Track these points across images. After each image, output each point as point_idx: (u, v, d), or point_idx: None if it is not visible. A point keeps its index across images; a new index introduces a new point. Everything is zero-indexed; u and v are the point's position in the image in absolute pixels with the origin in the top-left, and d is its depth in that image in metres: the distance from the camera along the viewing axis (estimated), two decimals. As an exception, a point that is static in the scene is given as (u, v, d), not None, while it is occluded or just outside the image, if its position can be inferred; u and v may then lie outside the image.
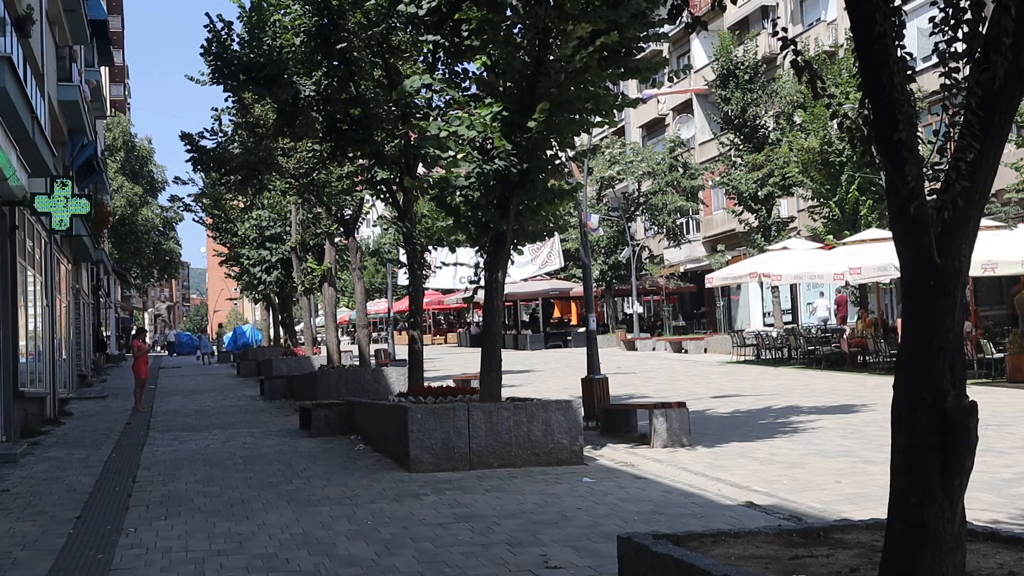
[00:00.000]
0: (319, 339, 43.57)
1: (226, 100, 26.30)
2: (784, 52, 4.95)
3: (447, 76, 13.36)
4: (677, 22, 11.59)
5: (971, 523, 5.12)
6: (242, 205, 35.70)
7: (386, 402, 14.29)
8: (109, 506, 9.85)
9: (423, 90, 13.43)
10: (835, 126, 23.35)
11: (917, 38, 23.45)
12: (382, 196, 17.64)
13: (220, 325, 72.25)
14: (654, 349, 38.00)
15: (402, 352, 29.29)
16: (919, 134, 4.62)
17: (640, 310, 45.91)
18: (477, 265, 12.69)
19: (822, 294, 35.03)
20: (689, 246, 47.61)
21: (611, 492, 9.59)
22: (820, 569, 5.09)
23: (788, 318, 38.98)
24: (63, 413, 20.03)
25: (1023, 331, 19.04)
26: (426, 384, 15.76)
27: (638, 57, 12.31)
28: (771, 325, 36.55)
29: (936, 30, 4.55)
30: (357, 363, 25.34)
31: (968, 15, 4.44)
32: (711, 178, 40.89)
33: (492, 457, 11.30)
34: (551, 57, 11.49)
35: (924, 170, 4.51)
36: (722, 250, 43.92)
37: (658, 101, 48.86)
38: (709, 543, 5.75)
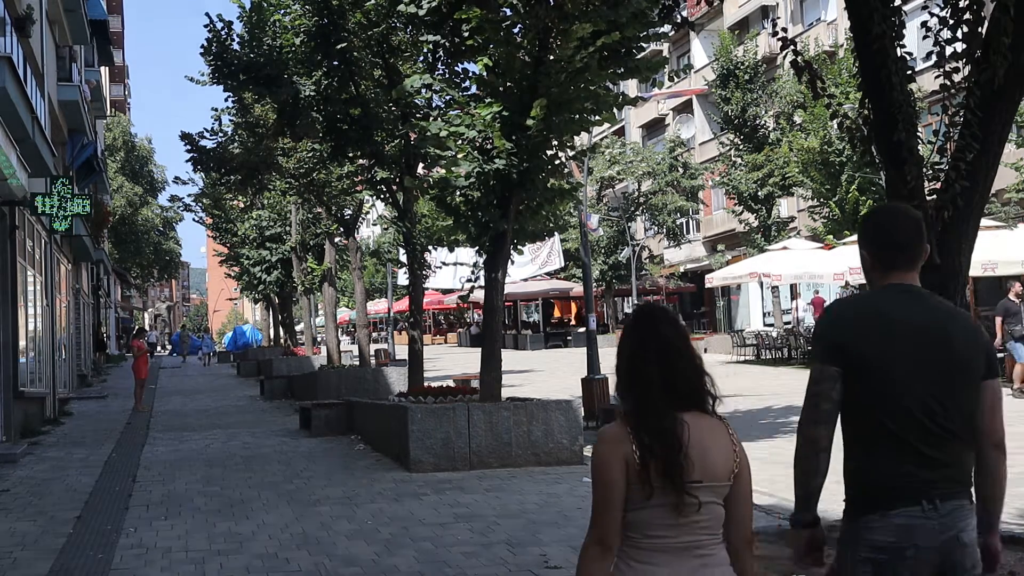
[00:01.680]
0: (319, 339, 43.56)
1: (226, 100, 26.33)
2: (784, 52, 4.96)
3: (447, 76, 13.36)
4: (671, 22, 11.68)
5: (971, 523, 5.11)
6: (242, 205, 35.72)
7: (386, 402, 14.29)
8: (109, 506, 9.85)
9: (423, 90, 13.43)
10: (835, 126, 23.33)
11: (917, 38, 23.43)
12: (382, 196, 17.65)
13: (183, 327, 71.96)
14: (654, 349, 37.91)
15: (402, 352, 29.30)
16: (919, 134, 4.62)
17: (640, 310, 45.81)
18: (475, 264, 12.69)
19: (800, 295, 35.32)
20: (689, 246, 47.61)
21: (611, 492, 9.58)
22: (820, 569, 5.08)
23: (788, 318, 39.00)
24: (63, 413, 20.03)
25: None
26: (426, 384, 15.76)
27: (638, 57, 12.31)
28: (771, 325, 36.56)
29: (929, 33, 4.55)
30: (357, 363, 25.34)
31: (968, 15, 4.44)
32: (711, 178, 40.89)
33: (492, 457, 11.30)
34: (551, 57, 11.49)
35: (924, 170, 4.52)
36: (722, 250, 43.91)
37: (658, 101, 48.86)
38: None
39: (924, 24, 4.60)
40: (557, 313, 53.09)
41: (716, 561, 2.67)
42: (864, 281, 24.77)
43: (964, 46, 4.46)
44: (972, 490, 3.00)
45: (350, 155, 16.94)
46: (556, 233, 37.08)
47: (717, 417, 2.75)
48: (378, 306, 54.92)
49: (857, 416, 2.97)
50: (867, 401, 2.93)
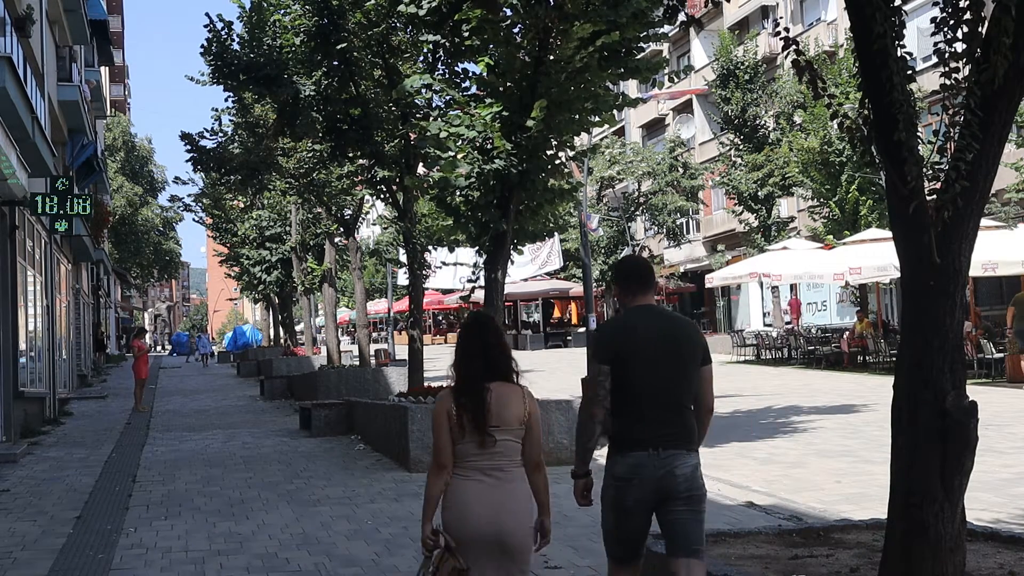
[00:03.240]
0: (319, 339, 43.57)
1: (226, 100, 26.34)
2: (786, 52, 4.95)
3: (447, 76, 13.36)
4: (675, 22, 11.68)
5: (971, 523, 5.12)
6: (242, 205, 35.72)
7: (386, 402, 14.28)
8: (109, 506, 9.85)
9: (423, 90, 13.42)
10: (835, 126, 23.33)
11: (917, 38, 23.47)
12: (382, 196, 17.64)
13: (194, 327, 71.56)
14: (654, 349, 37.93)
15: (402, 352, 29.27)
16: (919, 134, 4.61)
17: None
18: (475, 264, 12.69)
19: (776, 297, 35.78)
20: (689, 246, 47.60)
21: (611, 492, 9.58)
22: (820, 569, 5.09)
23: (788, 318, 39.00)
24: (63, 413, 20.02)
25: (1016, 331, 18.98)
26: (426, 384, 15.74)
27: (638, 57, 12.31)
28: (771, 325, 36.60)
29: (937, 30, 4.54)
30: (357, 363, 25.34)
31: (968, 15, 4.44)
32: (711, 178, 40.89)
33: (492, 457, 11.27)
34: (551, 57, 11.49)
35: (924, 170, 4.51)
36: (722, 250, 43.91)
37: (658, 101, 48.85)
38: (709, 543, 5.75)
39: (933, 20, 4.59)
40: (557, 313, 53.07)
41: (512, 477, 4.10)
42: (865, 281, 24.86)
43: (964, 46, 4.46)
44: (690, 441, 4.32)
45: (350, 155, 16.93)
46: (556, 233, 37.07)
47: (518, 385, 4.21)
48: (378, 306, 54.91)
49: (619, 395, 4.30)
50: (624, 385, 4.28)
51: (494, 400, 4.06)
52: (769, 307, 38.88)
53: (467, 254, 18.29)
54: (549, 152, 12.53)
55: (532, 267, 44.26)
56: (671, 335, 4.35)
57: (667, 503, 4.27)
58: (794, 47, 4.90)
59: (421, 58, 14.97)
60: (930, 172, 4.57)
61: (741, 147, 34.72)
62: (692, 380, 4.34)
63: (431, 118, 13.14)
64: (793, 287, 38.51)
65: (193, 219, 43.73)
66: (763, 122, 34.47)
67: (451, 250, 16.59)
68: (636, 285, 4.51)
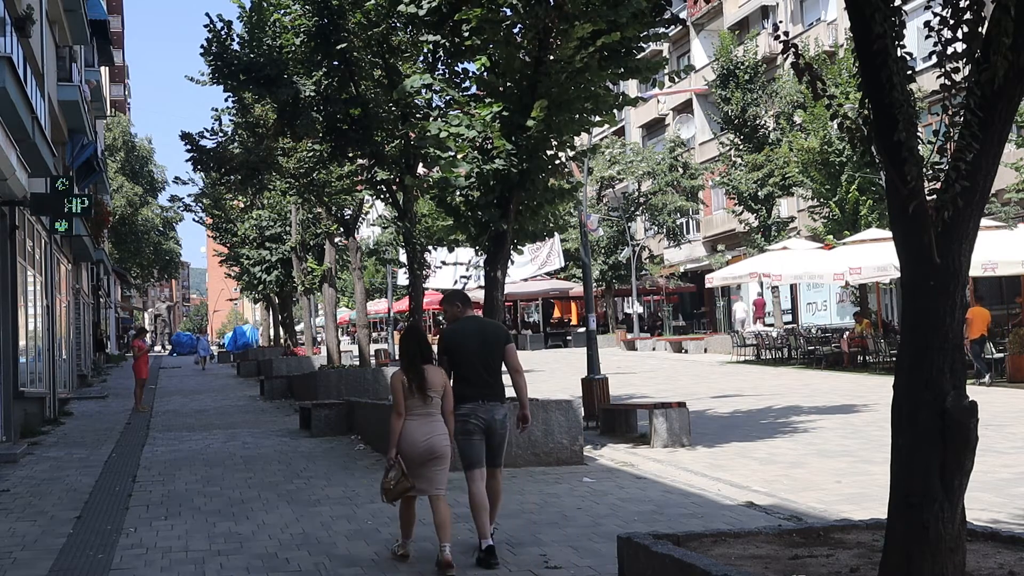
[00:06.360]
0: (319, 339, 43.57)
1: (226, 100, 26.31)
2: (785, 54, 4.95)
3: (447, 76, 13.36)
4: (665, 19, 11.68)
5: (971, 523, 5.12)
6: (242, 205, 35.72)
7: (386, 402, 14.28)
8: (109, 506, 9.85)
9: (423, 90, 13.43)
10: (835, 126, 23.34)
11: (917, 38, 23.41)
12: (382, 196, 17.65)
13: (242, 327, 70.35)
14: (654, 349, 37.98)
15: (402, 352, 29.14)
16: (919, 134, 4.61)
17: (640, 310, 45.90)
18: (469, 261, 12.71)
19: (741, 297, 35.94)
20: (689, 246, 47.59)
21: (611, 492, 9.59)
22: (820, 569, 5.09)
23: (788, 318, 39.01)
24: (63, 413, 20.02)
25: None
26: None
27: (638, 57, 12.31)
28: (771, 325, 36.59)
29: (931, 32, 4.54)
30: (357, 363, 25.33)
31: (968, 15, 4.44)
32: (711, 178, 40.89)
33: (492, 457, 11.28)
34: (551, 57, 11.49)
35: (924, 170, 4.51)
36: (722, 250, 43.90)
37: (658, 101, 48.85)
38: (709, 543, 5.75)
39: (927, 24, 4.59)
40: (557, 313, 53.07)
41: (437, 418, 6.77)
42: (865, 281, 24.86)
43: (964, 46, 4.45)
44: (502, 396, 7.10)
45: (350, 155, 16.94)
46: (556, 233, 37.03)
47: (437, 367, 6.90)
48: (378, 306, 54.90)
49: (457, 371, 7.04)
50: (458, 365, 7.02)
51: (427, 375, 6.75)
52: (769, 307, 38.93)
53: (467, 254, 18.27)
54: (549, 152, 12.54)
55: (532, 267, 44.25)
56: (482, 332, 7.17)
57: (490, 436, 7.02)
58: (793, 49, 4.90)
59: (421, 58, 14.97)
60: (930, 172, 4.56)
61: (741, 147, 34.72)
62: (499, 357, 7.10)
63: (431, 118, 13.14)
64: (793, 286, 38.52)
65: (193, 219, 43.73)
66: (763, 122, 34.47)
67: (451, 250, 16.61)
68: (461, 305, 7.38)
